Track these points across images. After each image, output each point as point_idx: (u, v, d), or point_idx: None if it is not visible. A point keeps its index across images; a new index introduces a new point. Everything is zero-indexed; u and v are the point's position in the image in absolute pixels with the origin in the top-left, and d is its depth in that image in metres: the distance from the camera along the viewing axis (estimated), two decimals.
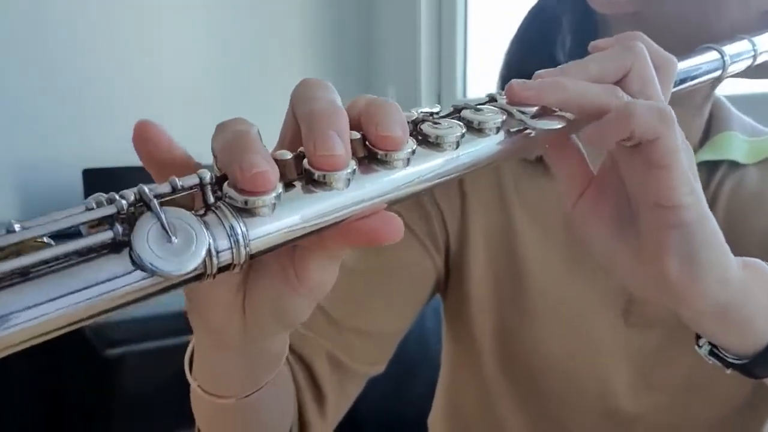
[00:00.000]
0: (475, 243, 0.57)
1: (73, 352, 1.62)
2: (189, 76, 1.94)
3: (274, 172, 0.23)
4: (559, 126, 0.30)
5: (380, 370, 0.57)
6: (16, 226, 0.20)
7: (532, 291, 0.56)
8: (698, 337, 0.37)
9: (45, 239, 0.21)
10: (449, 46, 1.90)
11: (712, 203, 0.55)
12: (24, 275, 0.19)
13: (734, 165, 0.55)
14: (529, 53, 0.61)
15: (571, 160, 0.35)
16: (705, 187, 0.55)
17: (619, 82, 0.32)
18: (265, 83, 2.06)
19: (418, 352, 0.60)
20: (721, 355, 0.36)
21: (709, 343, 0.37)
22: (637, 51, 0.32)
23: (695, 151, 0.55)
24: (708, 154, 0.55)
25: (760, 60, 0.44)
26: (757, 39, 0.43)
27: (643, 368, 0.55)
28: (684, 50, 0.48)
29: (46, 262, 0.20)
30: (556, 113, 0.31)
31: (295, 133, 0.27)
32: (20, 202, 1.76)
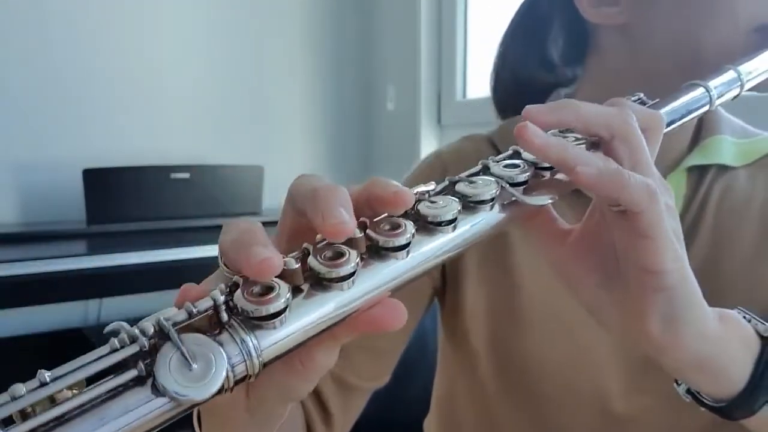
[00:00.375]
0: (469, 253, 0.57)
1: (73, 352, 1.62)
2: (189, 76, 1.94)
3: (278, 258, 0.24)
4: (550, 202, 0.32)
5: (384, 383, 0.58)
6: (47, 376, 0.22)
7: (525, 298, 0.56)
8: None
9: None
10: (449, 46, 1.90)
11: (702, 208, 0.55)
12: (59, 419, 0.21)
13: (723, 168, 0.55)
14: (520, 49, 0.61)
15: (541, 221, 0.36)
16: (694, 192, 0.55)
17: (608, 146, 0.33)
18: (265, 83, 2.06)
19: (415, 355, 0.60)
20: (698, 397, 0.38)
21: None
22: (625, 119, 0.33)
23: (684, 155, 0.56)
24: (697, 159, 0.55)
25: (747, 87, 0.44)
26: (742, 67, 0.43)
27: (637, 371, 0.55)
28: (672, 62, 0.49)
29: (79, 406, 0.22)
30: (546, 183, 0.32)
31: (294, 225, 0.29)
32: (20, 202, 1.76)
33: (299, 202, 0.28)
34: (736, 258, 0.54)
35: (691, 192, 0.55)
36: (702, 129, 0.57)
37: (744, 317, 0.38)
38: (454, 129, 1.93)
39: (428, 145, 1.96)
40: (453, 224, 0.28)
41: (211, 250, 1.49)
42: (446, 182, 0.31)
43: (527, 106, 0.32)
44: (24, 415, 0.21)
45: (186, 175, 1.76)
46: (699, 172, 0.56)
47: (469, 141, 0.63)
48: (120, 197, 1.69)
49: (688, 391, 0.39)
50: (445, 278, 0.60)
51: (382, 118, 2.18)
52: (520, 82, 0.62)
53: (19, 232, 1.62)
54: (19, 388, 0.21)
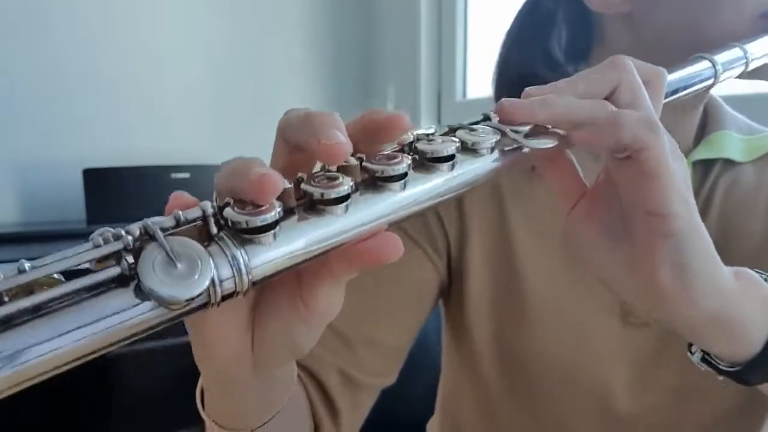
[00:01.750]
0: (473, 248, 0.57)
1: None
2: (189, 76, 1.94)
3: (279, 177, 0.23)
4: (552, 144, 0.31)
5: (391, 382, 0.58)
6: (27, 266, 0.20)
7: (530, 294, 0.56)
8: (690, 344, 0.38)
9: (56, 275, 0.21)
10: (449, 46, 1.90)
11: (708, 202, 0.55)
12: (36, 312, 0.20)
13: (729, 163, 0.55)
14: (524, 48, 0.61)
15: (563, 172, 0.35)
16: (700, 186, 0.55)
17: (609, 98, 0.33)
18: (265, 83, 2.06)
19: (418, 355, 0.60)
20: (713, 362, 0.37)
21: (702, 351, 0.37)
22: (623, 66, 0.33)
23: (690, 150, 0.56)
24: (703, 153, 0.55)
25: (752, 66, 0.44)
26: (749, 46, 0.43)
27: (641, 369, 0.55)
28: (677, 51, 0.48)
29: (57, 299, 0.20)
30: (548, 130, 0.31)
31: (287, 160, 0.28)
32: (20, 202, 1.76)
33: (291, 133, 0.27)
34: (742, 252, 0.54)
35: (696, 186, 0.55)
36: (707, 124, 0.57)
37: (761, 276, 0.37)
38: None
39: None
40: (451, 162, 0.28)
41: None
42: (446, 128, 0.30)
43: (502, 100, 0.31)
44: None
45: (186, 175, 1.75)
46: (705, 166, 0.55)
47: None
48: (120, 197, 1.69)
49: (703, 359, 0.37)
50: (451, 272, 0.60)
51: None
52: (524, 81, 0.62)
53: (19, 232, 1.61)
54: None
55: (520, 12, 0.62)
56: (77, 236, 1.62)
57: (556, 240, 0.56)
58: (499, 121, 0.31)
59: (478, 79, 1.86)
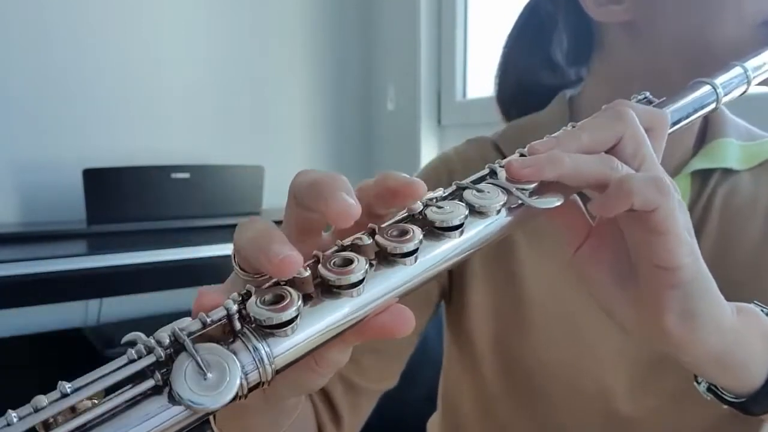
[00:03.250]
0: (474, 254, 0.57)
1: (73, 352, 1.62)
2: (189, 76, 1.94)
3: (297, 256, 0.25)
4: (558, 203, 0.31)
5: (393, 385, 0.58)
6: (68, 388, 0.22)
7: (530, 300, 0.56)
8: (697, 375, 0.39)
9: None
10: (449, 46, 1.90)
11: (706, 211, 0.54)
12: (80, 429, 0.22)
13: (727, 172, 0.55)
14: (524, 51, 0.61)
15: (567, 212, 0.36)
16: (698, 196, 0.55)
17: (612, 149, 0.33)
18: (266, 83, 2.06)
19: (417, 356, 0.60)
20: (718, 393, 0.38)
21: (707, 381, 0.38)
22: (627, 118, 0.33)
23: (689, 157, 0.55)
24: (702, 162, 0.55)
25: (755, 83, 0.43)
26: (749, 64, 0.43)
27: (642, 373, 0.55)
28: (678, 58, 0.48)
29: (99, 416, 0.22)
30: (553, 185, 0.32)
31: (299, 221, 0.29)
32: (20, 202, 1.76)
33: (302, 196, 0.28)
34: (740, 260, 0.54)
35: (695, 195, 0.55)
36: (707, 132, 0.56)
37: (762, 311, 0.37)
38: (454, 129, 1.93)
39: (428, 145, 1.96)
40: (460, 229, 0.29)
41: (211, 250, 1.49)
42: (454, 187, 0.31)
43: (509, 159, 0.31)
44: (46, 426, 0.21)
45: (186, 175, 1.75)
46: (703, 175, 0.55)
47: (474, 145, 0.63)
48: (120, 197, 1.69)
49: (709, 389, 0.38)
50: (452, 279, 0.60)
51: (382, 118, 2.18)
52: (525, 84, 0.62)
53: (19, 232, 1.61)
54: (41, 399, 0.22)
55: (520, 15, 0.62)
56: (77, 236, 1.62)
57: (556, 245, 0.56)
58: (506, 179, 0.31)
59: (478, 79, 1.86)
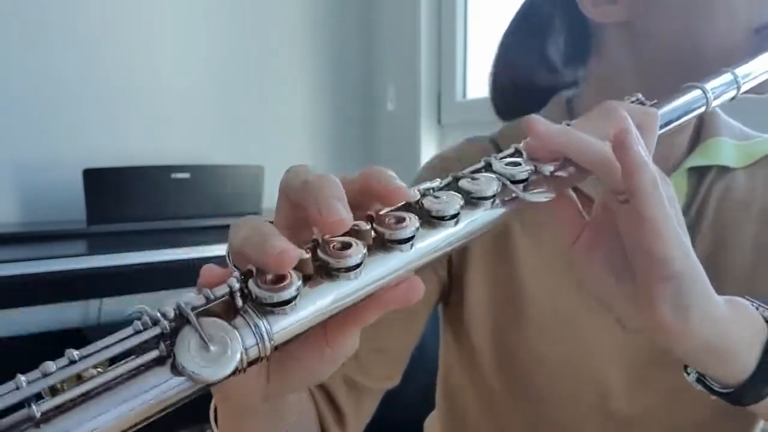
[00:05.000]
0: (473, 253, 0.58)
1: None
2: (189, 76, 1.94)
3: (295, 250, 0.25)
4: (551, 198, 0.33)
5: (396, 383, 0.59)
6: (75, 355, 0.23)
7: (528, 298, 0.56)
8: (686, 365, 0.39)
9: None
10: (449, 46, 1.90)
11: (702, 209, 0.55)
12: (86, 395, 0.23)
13: (723, 170, 0.56)
14: (520, 51, 0.61)
15: (563, 207, 0.37)
16: (694, 193, 0.55)
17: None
18: (266, 83, 2.06)
19: (414, 355, 0.60)
20: (708, 383, 0.38)
21: (697, 372, 0.39)
22: (617, 115, 0.35)
23: (684, 156, 0.56)
24: (697, 160, 0.55)
25: (744, 89, 0.45)
26: (739, 70, 0.44)
27: (639, 370, 0.55)
28: (674, 60, 0.49)
29: (105, 383, 0.23)
30: (546, 179, 0.33)
31: (291, 217, 0.30)
32: (20, 202, 1.76)
33: (294, 197, 0.29)
34: (736, 258, 0.54)
35: (691, 193, 0.55)
36: (701, 131, 0.57)
37: (752, 304, 0.38)
38: (454, 129, 1.93)
39: (428, 146, 1.96)
40: (456, 218, 0.30)
41: (211, 251, 1.49)
42: (450, 178, 0.32)
43: (529, 124, 0.33)
44: (53, 391, 0.22)
45: (186, 175, 1.76)
46: (699, 173, 0.56)
47: (472, 144, 0.63)
48: (120, 197, 1.69)
49: (698, 380, 0.39)
50: (452, 278, 0.60)
51: (382, 118, 2.18)
52: (520, 84, 0.62)
53: (19, 232, 1.61)
54: (50, 365, 0.23)
55: (516, 14, 0.62)
56: (77, 236, 1.62)
57: (554, 245, 0.56)
58: (501, 172, 0.32)
59: (478, 79, 1.86)
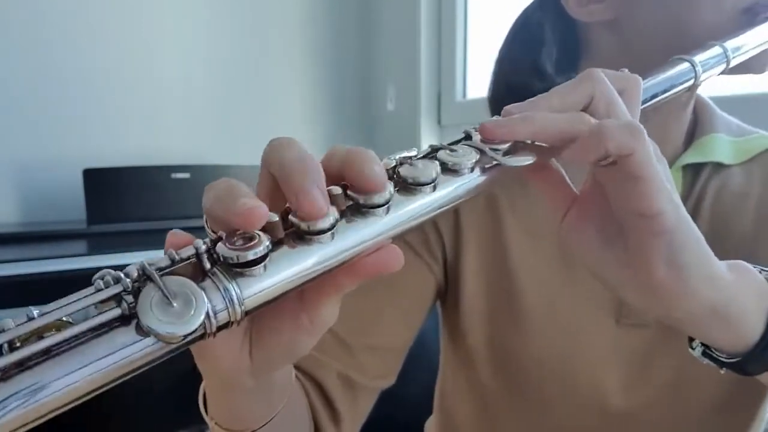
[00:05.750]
0: (468, 252, 0.58)
1: None
2: (189, 76, 1.94)
3: (264, 208, 0.25)
4: (530, 161, 0.32)
5: (391, 383, 0.58)
6: (35, 312, 0.22)
7: (524, 296, 0.56)
8: (691, 339, 0.38)
9: (64, 318, 0.23)
10: (449, 46, 1.90)
11: (698, 206, 0.55)
12: (47, 353, 0.22)
13: (719, 166, 0.56)
14: (515, 62, 0.61)
15: (551, 182, 0.36)
16: (690, 190, 0.55)
17: (585, 109, 0.34)
18: (266, 83, 2.06)
19: (415, 355, 0.60)
20: (714, 355, 0.37)
21: (702, 344, 0.37)
22: (595, 77, 0.34)
23: (679, 153, 0.56)
24: (693, 157, 0.55)
25: (734, 63, 0.44)
26: (729, 43, 0.44)
27: (635, 368, 0.55)
28: (662, 53, 0.49)
29: (66, 341, 0.22)
30: (528, 146, 0.33)
31: (270, 189, 0.29)
32: (20, 202, 1.76)
33: (273, 170, 0.28)
34: (732, 254, 0.54)
35: (686, 190, 0.56)
36: (697, 127, 0.57)
37: (756, 269, 0.37)
38: (454, 129, 1.93)
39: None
40: (433, 185, 0.29)
41: None
42: (428, 148, 0.32)
43: (483, 122, 0.32)
44: (12, 347, 0.22)
45: (186, 175, 1.76)
46: (694, 169, 0.56)
47: None
48: (120, 197, 1.69)
49: (704, 354, 0.38)
50: (447, 278, 0.60)
51: (382, 118, 2.18)
52: (513, 89, 0.62)
53: (19, 232, 1.61)
54: (8, 322, 0.22)
55: (513, 26, 0.62)
56: (77, 236, 1.62)
57: (549, 241, 0.56)
58: (481, 140, 0.32)
59: (478, 79, 1.86)
